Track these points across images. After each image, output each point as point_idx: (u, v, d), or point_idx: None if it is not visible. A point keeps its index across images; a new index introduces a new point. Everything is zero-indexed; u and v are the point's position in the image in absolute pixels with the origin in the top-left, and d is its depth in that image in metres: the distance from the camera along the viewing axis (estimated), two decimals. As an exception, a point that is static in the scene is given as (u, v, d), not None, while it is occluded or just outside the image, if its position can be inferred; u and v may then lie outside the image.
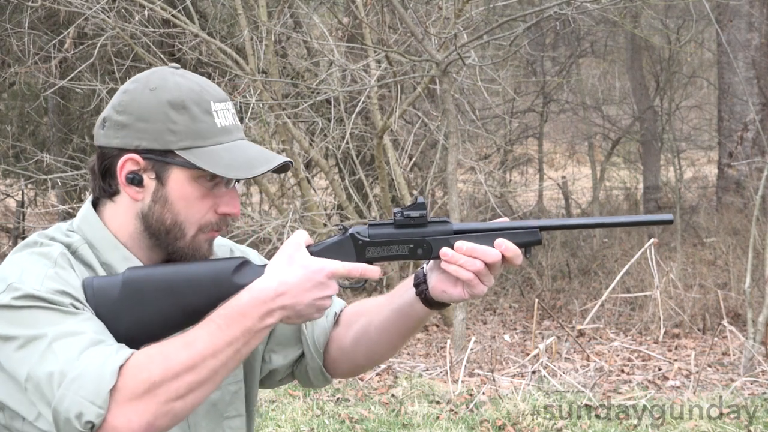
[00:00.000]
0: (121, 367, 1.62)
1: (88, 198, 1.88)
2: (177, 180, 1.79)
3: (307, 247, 1.79)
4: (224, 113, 1.82)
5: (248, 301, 1.71)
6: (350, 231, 1.83)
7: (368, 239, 1.82)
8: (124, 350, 1.65)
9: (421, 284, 1.86)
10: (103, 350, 1.64)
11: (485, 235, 1.82)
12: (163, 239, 1.82)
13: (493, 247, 1.80)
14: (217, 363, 1.68)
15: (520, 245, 1.82)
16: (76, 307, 1.70)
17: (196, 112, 1.79)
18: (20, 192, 10.49)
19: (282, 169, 1.83)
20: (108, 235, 1.82)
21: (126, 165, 1.79)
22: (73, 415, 1.60)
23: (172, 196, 1.80)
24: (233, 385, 1.93)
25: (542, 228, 1.83)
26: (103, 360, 1.62)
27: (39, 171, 8.77)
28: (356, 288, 1.87)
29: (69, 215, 8.70)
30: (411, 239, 1.83)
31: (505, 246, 1.80)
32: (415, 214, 1.82)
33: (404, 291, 1.91)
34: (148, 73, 1.84)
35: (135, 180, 1.79)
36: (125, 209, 1.82)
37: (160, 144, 1.78)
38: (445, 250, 1.80)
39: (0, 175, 10.50)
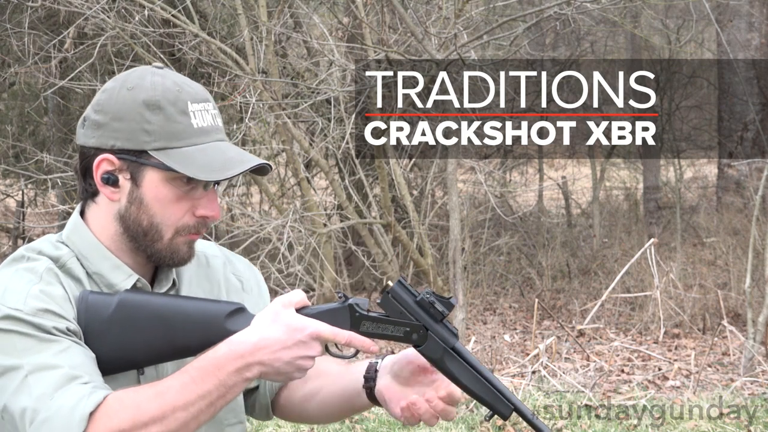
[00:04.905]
0: (91, 413, 1.61)
1: (77, 207, 1.86)
2: (152, 181, 1.76)
3: (303, 308, 1.75)
4: (202, 114, 1.78)
5: (225, 354, 1.69)
6: (350, 301, 1.77)
7: (366, 313, 1.77)
8: (97, 393, 1.64)
9: (370, 380, 1.84)
10: (77, 391, 1.63)
11: (472, 374, 1.78)
12: (141, 241, 1.79)
13: (468, 388, 1.78)
14: (188, 416, 1.66)
15: (488, 405, 1.79)
16: (59, 329, 1.69)
17: (172, 113, 1.75)
18: (20, 192, 10.48)
19: (261, 171, 1.80)
20: (97, 243, 1.81)
21: (101, 165, 1.77)
22: None
23: (147, 197, 1.77)
24: None
25: (516, 409, 1.79)
26: (75, 403, 1.62)
27: (39, 171, 8.76)
28: (347, 359, 1.81)
29: (69, 215, 8.69)
30: (410, 324, 1.77)
31: (452, 399, 1.79)
32: (440, 308, 1.77)
33: (357, 373, 1.88)
34: (128, 72, 1.81)
35: (110, 180, 1.77)
36: (105, 210, 1.80)
37: (134, 144, 1.75)
38: (417, 403, 1.77)
39: (0, 175, 10.49)
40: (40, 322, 1.68)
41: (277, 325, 1.71)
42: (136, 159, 1.75)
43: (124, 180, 1.77)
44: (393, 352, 1.92)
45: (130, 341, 1.74)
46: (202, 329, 1.75)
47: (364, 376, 1.85)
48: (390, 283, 1.78)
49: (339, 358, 1.80)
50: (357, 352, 1.78)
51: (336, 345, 1.78)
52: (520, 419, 1.84)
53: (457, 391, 1.80)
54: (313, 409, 1.95)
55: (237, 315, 1.76)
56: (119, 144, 1.76)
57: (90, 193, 1.81)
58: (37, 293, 1.71)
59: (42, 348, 1.66)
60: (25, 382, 1.64)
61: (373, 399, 1.86)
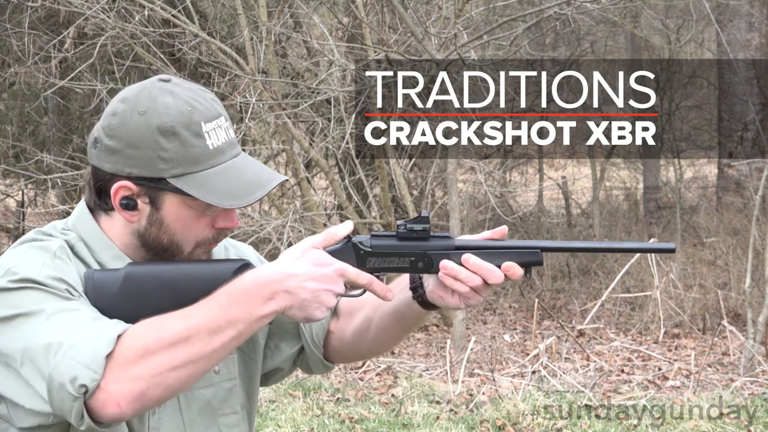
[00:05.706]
0: (119, 336, 1.63)
1: (83, 198, 1.87)
2: (171, 204, 1.78)
3: None
4: (216, 132, 1.78)
5: (252, 281, 1.70)
6: (353, 240, 1.83)
7: (370, 249, 1.83)
8: (122, 323, 1.67)
9: (417, 288, 1.87)
10: (102, 322, 1.66)
11: (488, 253, 1.82)
12: (160, 255, 1.82)
13: (498, 266, 1.80)
14: (216, 342, 1.66)
15: (521, 265, 1.83)
16: (72, 294, 1.71)
17: (187, 137, 1.75)
18: (20, 192, 10.49)
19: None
20: (101, 234, 1.82)
21: (119, 191, 1.77)
22: (68, 379, 1.59)
23: (168, 219, 1.79)
24: (227, 383, 1.92)
25: (544, 249, 1.84)
26: (101, 330, 1.63)
27: (39, 171, 8.76)
28: (355, 296, 1.87)
29: (69, 215, 8.69)
30: (412, 252, 1.83)
31: (513, 270, 1.81)
32: (418, 227, 1.83)
33: (399, 291, 1.90)
34: (138, 91, 1.79)
35: (129, 205, 1.78)
36: (122, 225, 1.82)
37: (152, 172, 1.75)
38: (445, 263, 1.80)
39: (0, 175, 10.50)
40: (56, 285, 1.70)
41: (304, 259, 1.73)
42: (154, 185, 1.76)
43: (142, 204, 1.78)
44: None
45: (142, 312, 1.74)
46: (212, 289, 1.75)
47: (410, 288, 1.88)
48: (369, 249, 1.83)
49: (349, 297, 1.85)
50: (363, 291, 1.83)
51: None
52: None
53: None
54: (369, 340, 1.97)
55: (245, 270, 1.78)
56: (136, 171, 1.76)
57: (104, 209, 1.82)
58: (51, 264, 1.73)
59: (62, 301, 1.68)
60: (48, 322, 1.64)
61: (424, 305, 1.88)
